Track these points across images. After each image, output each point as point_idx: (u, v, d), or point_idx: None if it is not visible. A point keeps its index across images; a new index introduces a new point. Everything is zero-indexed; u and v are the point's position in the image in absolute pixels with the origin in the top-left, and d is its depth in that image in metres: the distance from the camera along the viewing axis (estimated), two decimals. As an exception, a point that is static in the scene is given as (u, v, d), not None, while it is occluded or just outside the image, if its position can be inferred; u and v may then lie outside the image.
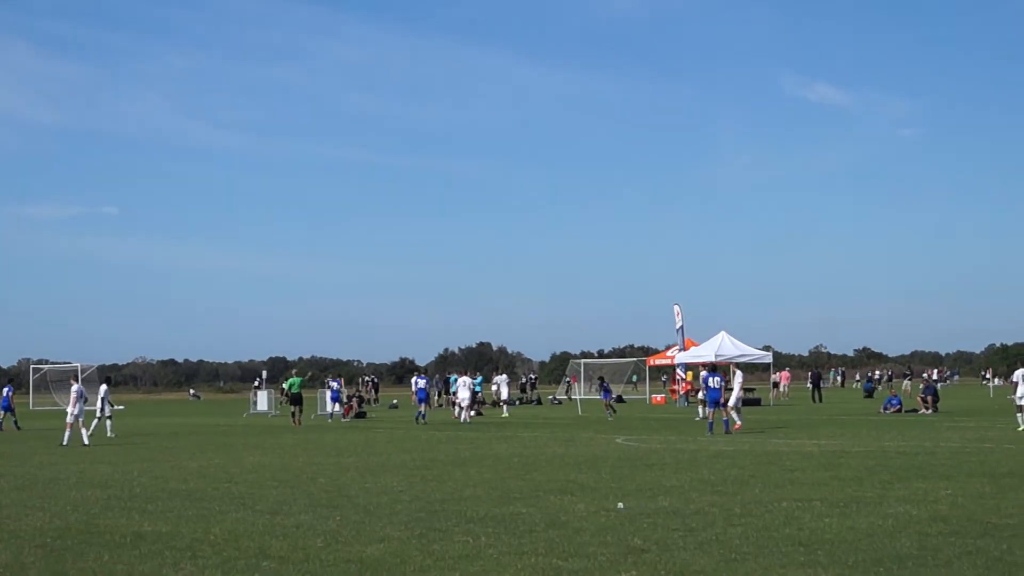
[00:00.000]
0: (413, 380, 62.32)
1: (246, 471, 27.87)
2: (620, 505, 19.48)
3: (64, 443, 38.89)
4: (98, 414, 44.06)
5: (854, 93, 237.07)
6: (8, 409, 55.84)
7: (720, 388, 41.10)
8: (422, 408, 55.45)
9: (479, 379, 75.06)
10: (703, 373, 42.57)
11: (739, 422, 41.55)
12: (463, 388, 55.41)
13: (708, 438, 37.87)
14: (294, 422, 53.66)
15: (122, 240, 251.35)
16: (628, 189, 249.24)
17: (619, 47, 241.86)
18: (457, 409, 56.03)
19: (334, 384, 62.33)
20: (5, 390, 56.78)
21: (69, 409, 40.14)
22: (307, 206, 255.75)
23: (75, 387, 40.70)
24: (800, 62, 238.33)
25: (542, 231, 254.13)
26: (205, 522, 18.07)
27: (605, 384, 62.08)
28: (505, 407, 60.45)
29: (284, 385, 59.79)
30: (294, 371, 62.36)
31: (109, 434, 43.84)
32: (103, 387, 45.66)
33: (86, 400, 41.24)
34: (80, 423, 39.70)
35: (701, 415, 51.56)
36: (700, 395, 54.27)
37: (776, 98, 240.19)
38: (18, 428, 54.51)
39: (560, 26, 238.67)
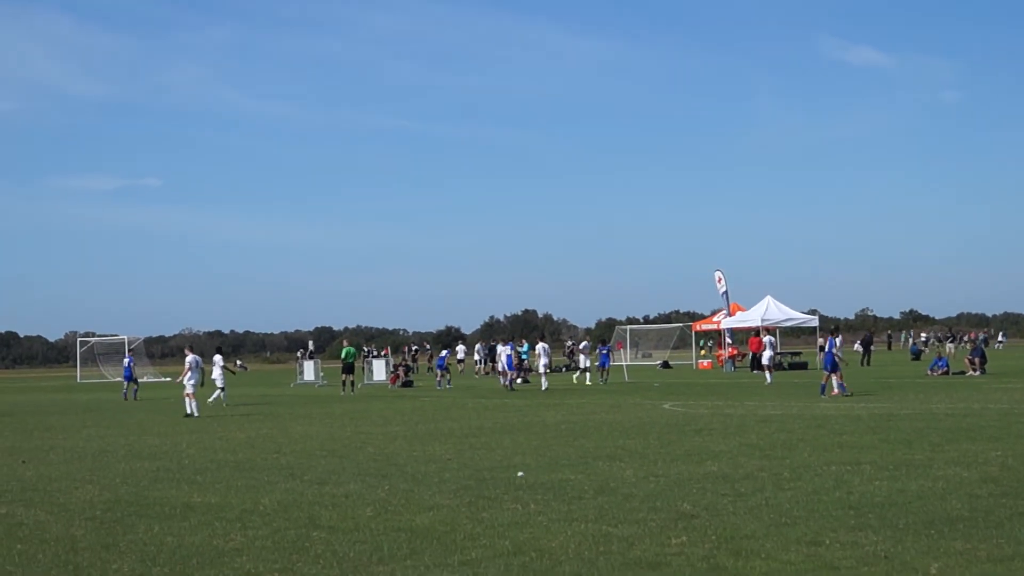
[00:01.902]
0: (475, 348, 62.54)
1: (294, 441, 27.97)
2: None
3: (195, 413, 38.59)
4: (219, 384, 44.19)
5: (896, 56, 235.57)
6: (130, 379, 56.69)
7: (833, 353, 40.68)
8: (511, 375, 55.72)
9: (525, 347, 75.01)
10: (829, 338, 41.98)
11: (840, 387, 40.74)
12: (543, 355, 55.44)
13: (823, 399, 38.57)
14: (344, 391, 53.83)
15: (166, 212, 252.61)
16: (671, 154, 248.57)
17: (658, 13, 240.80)
18: (538, 376, 55.74)
19: (460, 350, 63.92)
20: (126, 360, 57.90)
21: (185, 380, 39.76)
22: (351, 175, 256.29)
23: (190, 357, 40.46)
24: (840, 25, 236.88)
25: (586, 198, 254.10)
26: (254, 493, 18.13)
27: (607, 348, 61.73)
28: (507, 379, 58.31)
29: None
30: (345, 340, 62.51)
31: (224, 404, 43.88)
32: (218, 357, 45.65)
33: (202, 371, 41.19)
34: (193, 394, 39.39)
35: (769, 380, 51.30)
36: (765, 360, 54.08)
37: (817, 61, 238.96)
38: (131, 398, 55.05)
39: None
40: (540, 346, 56.59)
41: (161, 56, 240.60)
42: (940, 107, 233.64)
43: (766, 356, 54.63)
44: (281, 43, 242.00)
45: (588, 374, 60.50)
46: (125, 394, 56.50)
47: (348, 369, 55.52)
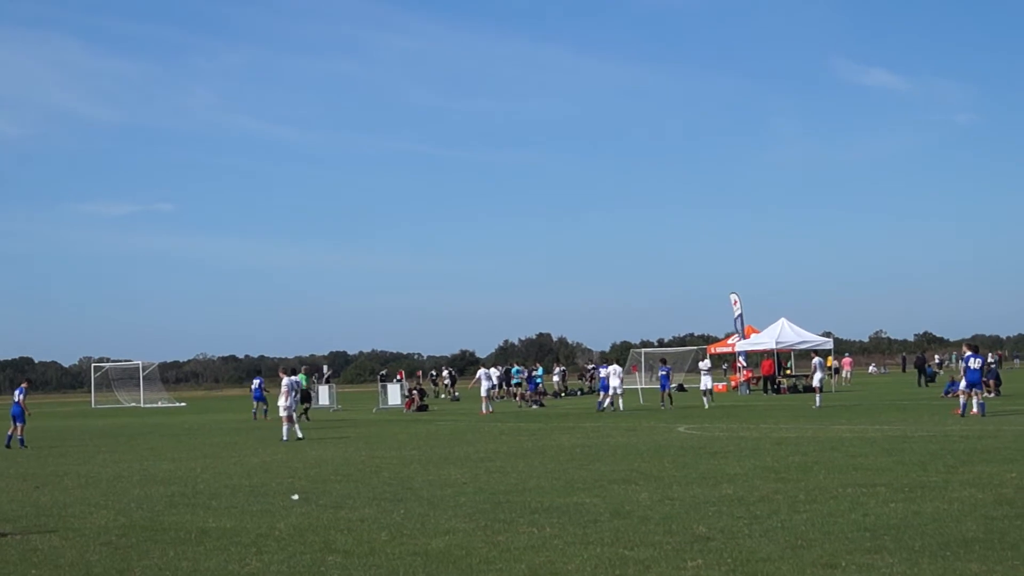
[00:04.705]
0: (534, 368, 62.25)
1: (309, 466, 27.96)
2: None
3: (299, 435, 37.88)
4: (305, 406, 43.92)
5: (910, 78, 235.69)
6: (261, 399, 56.73)
7: (980, 370, 40.12)
8: (602, 396, 55.15)
9: (540, 370, 75.00)
10: (967, 354, 41.11)
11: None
12: (614, 376, 54.65)
13: (961, 419, 37.88)
14: (305, 418, 52.70)
15: (179, 236, 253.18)
16: (686, 176, 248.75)
17: (674, 36, 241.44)
18: (607, 400, 54.83)
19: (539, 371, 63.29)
20: (256, 381, 58.03)
21: (280, 403, 39.02)
22: (365, 199, 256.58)
23: (285, 380, 39.54)
24: (855, 48, 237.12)
25: (601, 221, 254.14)
26: (270, 517, 18.14)
27: (667, 368, 59.19)
28: (484, 403, 57.29)
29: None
30: (303, 368, 62.14)
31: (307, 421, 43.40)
32: (297, 379, 45.00)
33: (297, 395, 40.96)
34: (289, 417, 38.65)
35: (818, 404, 50.12)
36: (815, 383, 52.87)
37: (831, 84, 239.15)
38: (260, 418, 55.12)
39: (614, 16, 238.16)
40: (613, 367, 55.71)
41: (174, 81, 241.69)
42: (954, 129, 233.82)
43: (816, 379, 53.22)
44: (295, 68, 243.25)
45: (710, 395, 56.62)
46: (255, 414, 56.60)
47: (304, 397, 54.82)
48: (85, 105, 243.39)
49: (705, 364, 58.87)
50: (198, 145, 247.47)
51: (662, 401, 55.87)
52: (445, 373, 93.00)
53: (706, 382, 56.91)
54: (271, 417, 53.86)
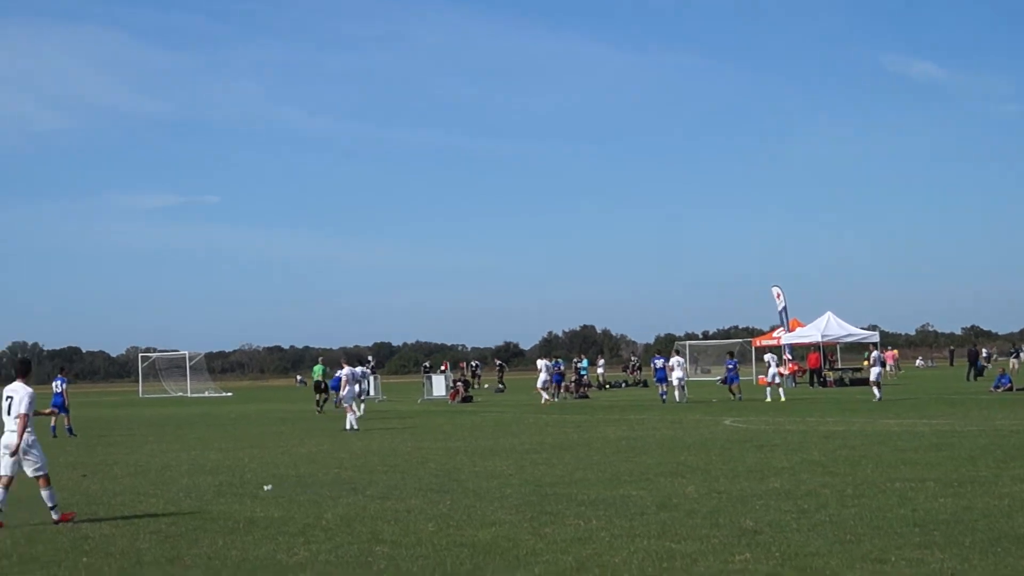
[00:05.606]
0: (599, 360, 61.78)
1: (355, 456, 28.01)
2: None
3: (355, 427, 37.78)
4: (363, 396, 44.05)
5: (954, 70, 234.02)
6: (337, 389, 56.50)
7: None
8: (663, 388, 55.07)
9: (584, 362, 74.94)
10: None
11: None
12: (678, 368, 54.31)
13: None
14: (319, 410, 52.26)
15: (225, 228, 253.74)
16: (731, 169, 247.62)
17: (719, 27, 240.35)
18: (677, 391, 54.53)
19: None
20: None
21: (342, 394, 39.82)
22: (408, 191, 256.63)
23: (347, 370, 40.14)
24: (901, 40, 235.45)
25: (646, 213, 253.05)
26: (317, 507, 18.19)
27: (733, 362, 57.77)
28: (544, 393, 56.78)
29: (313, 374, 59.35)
30: (320, 358, 61.82)
31: (359, 413, 43.69)
32: (356, 370, 44.82)
33: (359, 384, 41.04)
34: (349, 406, 38.98)
35: (878, 396, 49.56)
36: (873, 376, 52.08)
37: (877, 76, 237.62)
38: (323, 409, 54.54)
39: (655, 7, 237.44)
40: (675, 359, 55.66)
41: (219, 73, 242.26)
42: (1000, 120, 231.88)
43: (874, 372, 52.62)
44: (335, 59, 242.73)
45: (781, 390, 54.78)
46: (336, 403, 56.14)
47: (318, 388, 54.56)
48: (128, 97, 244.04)
49: (771, 357, 58.10)
50: (244, 137, 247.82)
51: (733, 393, 55.24)
52: (475, 364, 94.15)
53: (772, 374, 55.71)
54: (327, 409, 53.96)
